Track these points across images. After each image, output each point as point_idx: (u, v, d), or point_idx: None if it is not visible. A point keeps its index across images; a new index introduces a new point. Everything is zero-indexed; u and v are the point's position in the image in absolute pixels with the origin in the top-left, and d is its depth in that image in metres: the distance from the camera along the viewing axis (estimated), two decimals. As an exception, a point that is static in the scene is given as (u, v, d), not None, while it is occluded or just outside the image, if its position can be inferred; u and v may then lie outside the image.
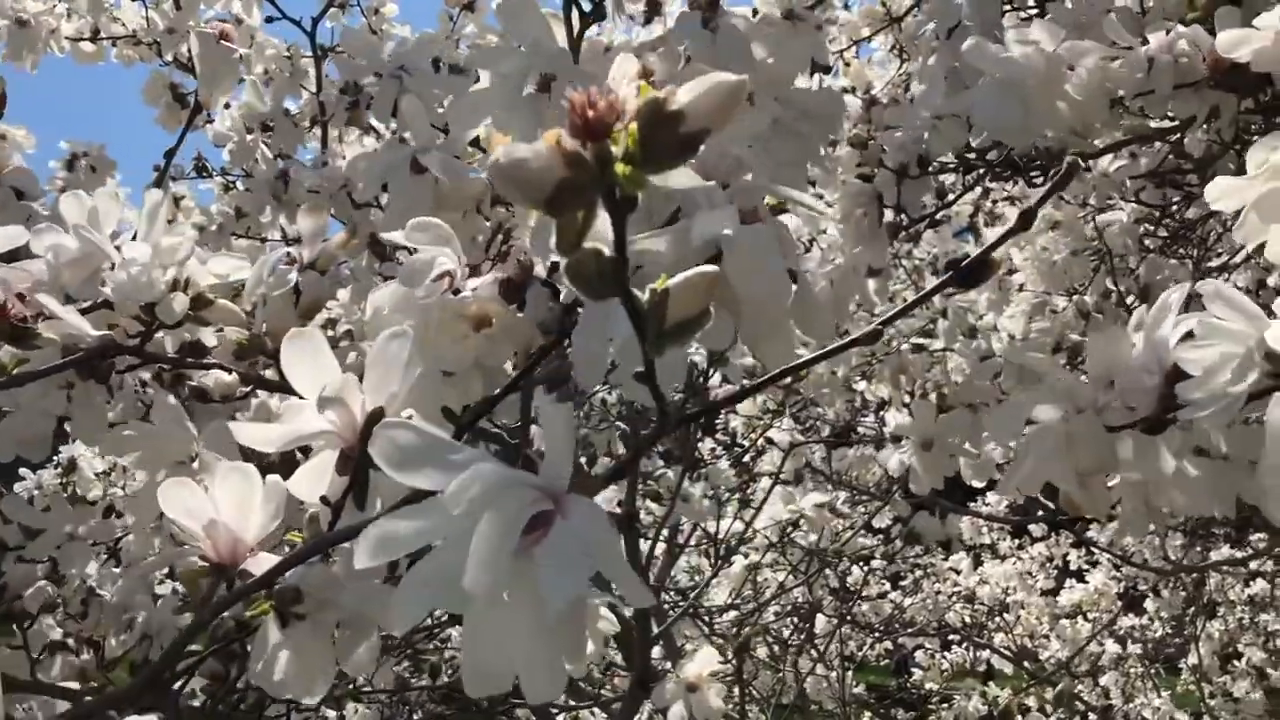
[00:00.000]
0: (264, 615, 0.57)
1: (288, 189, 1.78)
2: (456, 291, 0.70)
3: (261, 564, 0.57)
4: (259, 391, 0.95)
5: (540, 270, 0.70)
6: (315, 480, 0.58)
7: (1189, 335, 0.68)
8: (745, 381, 2.66)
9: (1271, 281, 1.98)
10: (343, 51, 2.21)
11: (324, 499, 0.57)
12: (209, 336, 0.88)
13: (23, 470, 1.64)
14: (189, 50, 2.16)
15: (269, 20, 2.14)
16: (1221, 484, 0.72)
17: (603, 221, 0.45)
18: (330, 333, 1.44)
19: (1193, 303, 0.70)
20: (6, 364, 0.83)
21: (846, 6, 2.38)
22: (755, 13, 1.03)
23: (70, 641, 1.18)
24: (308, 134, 2.10)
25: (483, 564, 0.42)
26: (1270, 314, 0.67)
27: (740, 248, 0.58)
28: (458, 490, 0.44)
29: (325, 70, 2.09)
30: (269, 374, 1.00)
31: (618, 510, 1.72)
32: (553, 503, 0.43)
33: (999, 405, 0.78)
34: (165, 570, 1.70)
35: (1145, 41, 1.15)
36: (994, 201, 2.66)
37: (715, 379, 2.28)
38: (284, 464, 0.61)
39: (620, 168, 0.41)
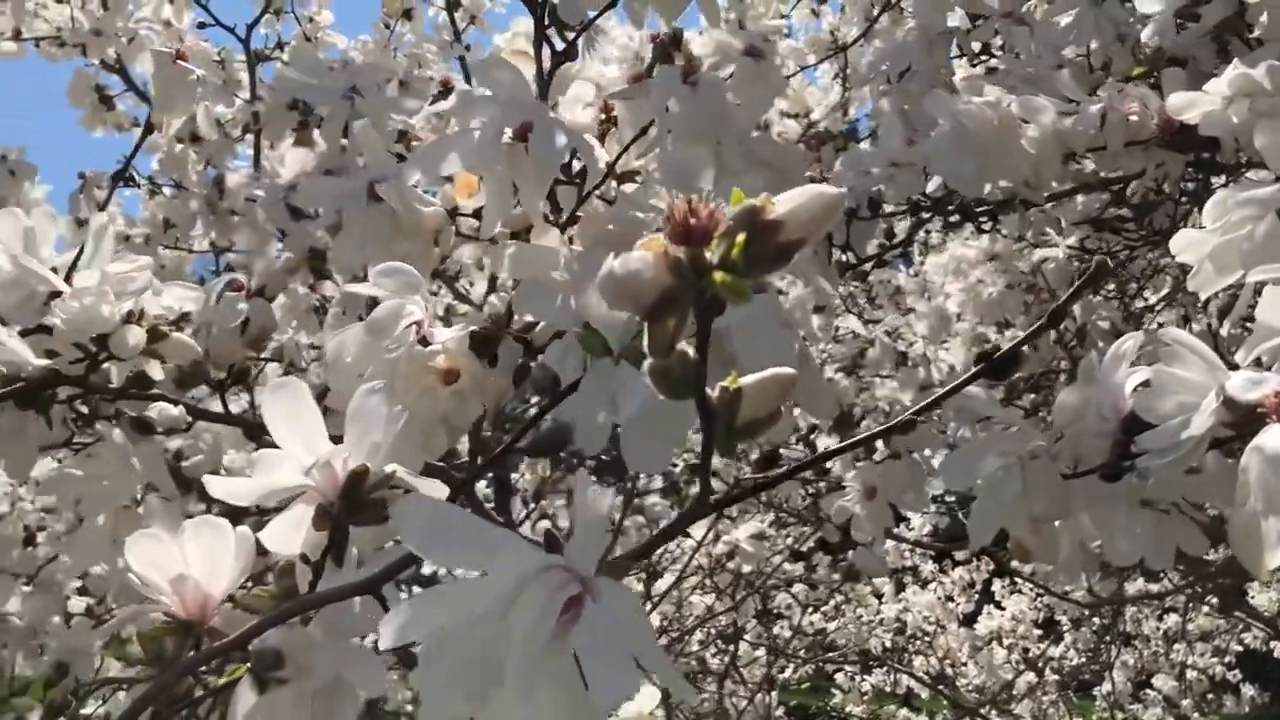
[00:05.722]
0: (237, 679, 0.54)
1: (223, 197, 1.72)
2: (425, 342, 0.67)
3: (232, 622, 0.54)
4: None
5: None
6: (290, 534, 0.55)
7: (1145, 384, 0.68)
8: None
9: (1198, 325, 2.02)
10: (278, 59, 2.15)
11: (303, 556, 0.54)
12: (155, 369, 0.83)
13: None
14: (116, 52, 2.08)
15: (201, 26, 2.08)
16: (1164, 536, 0.73)
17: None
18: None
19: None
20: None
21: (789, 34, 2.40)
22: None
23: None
24: (238, 142, 2.04)
25: (523, 657, 0.40)
26: (1229, 364, 0.67)
27: (744, 321, 0.58)
28: (493, 576, 0.42)
29: (259, 77, 2.03)
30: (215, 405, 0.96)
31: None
32: (580, 585, 0.41)
33: (952, 452, 0.79)
34: (77, 586, 1.63)
35: (1096, 98, 1.17)
36: (928, 232, 2.69)
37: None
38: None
39: (719, 275, 0.41)
